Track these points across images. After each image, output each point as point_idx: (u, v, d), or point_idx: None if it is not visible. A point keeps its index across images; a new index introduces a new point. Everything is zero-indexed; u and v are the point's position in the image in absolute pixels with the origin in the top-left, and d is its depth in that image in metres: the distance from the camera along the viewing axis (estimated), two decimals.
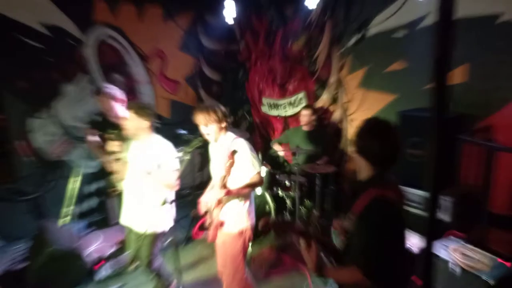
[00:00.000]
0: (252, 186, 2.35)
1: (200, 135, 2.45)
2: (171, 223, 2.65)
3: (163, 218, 2.57)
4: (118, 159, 2.69)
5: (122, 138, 2.66)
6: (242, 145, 2.30)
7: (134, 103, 2.62)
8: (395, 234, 1.41)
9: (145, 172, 2.49)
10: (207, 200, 2.43)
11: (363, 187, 1.46)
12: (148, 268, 2.71)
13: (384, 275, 1.35)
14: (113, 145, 2.67)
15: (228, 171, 2.21)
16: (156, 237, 2.63)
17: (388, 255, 1.37)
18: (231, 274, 2.40)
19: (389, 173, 1.49)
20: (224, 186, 2.27)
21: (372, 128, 1.48)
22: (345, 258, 1.54)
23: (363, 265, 1.34)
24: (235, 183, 2.31)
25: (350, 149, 1.55)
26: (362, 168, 1.50)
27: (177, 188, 2.58)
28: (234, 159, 2.19)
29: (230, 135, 2.41)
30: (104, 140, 3.44)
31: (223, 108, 2.37)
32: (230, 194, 2.26)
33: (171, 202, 2.27)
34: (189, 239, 3.97)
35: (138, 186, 2.60)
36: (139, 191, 2.61)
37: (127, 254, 2.84)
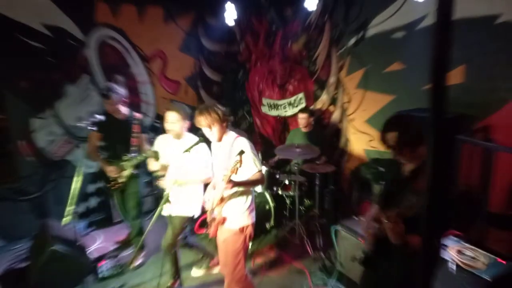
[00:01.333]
0: (253, 183, 2.39)
1: (201, 135, 2.47)
2: (199, 210, 2.90)
3: (192, 203, 2.87)
4: (159, 175, 2.94)
5: (158, 156, 2.91)
6: (245, 144, 2.33)
7: (177, 106, 2.94)
8: None
9: (180, 168, 2.71)
10: (209, 197, 2.45)
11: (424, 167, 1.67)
12: (169, 251, 2.89)
13: None
14: (153, 165, 2.94)
15: (236, 171, 2.17)
16: (184, 221, 2.88)
17: None
18: (232, 271, 2.42)
19: None
20: (227, 183, 2.28)
21: (404, 118, 1.85)
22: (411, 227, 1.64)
23: None
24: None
25: (405, 152, 1.76)
26: (414, 158, 1.74)
27: (209, 180, 2.72)
28: (242, 160, 2.16)
29: (232, 134, 2.44)
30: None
31: (222, 108, 2.40)
32: (233, 185, 2.24)
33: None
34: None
35: (176, 180, 2.75)
36: (177, 183, 2.75)
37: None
